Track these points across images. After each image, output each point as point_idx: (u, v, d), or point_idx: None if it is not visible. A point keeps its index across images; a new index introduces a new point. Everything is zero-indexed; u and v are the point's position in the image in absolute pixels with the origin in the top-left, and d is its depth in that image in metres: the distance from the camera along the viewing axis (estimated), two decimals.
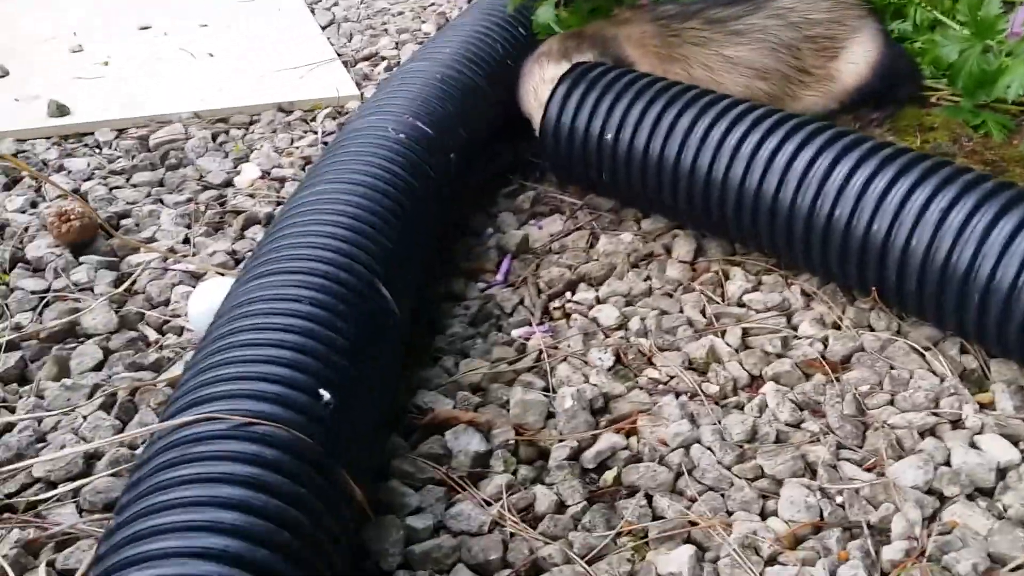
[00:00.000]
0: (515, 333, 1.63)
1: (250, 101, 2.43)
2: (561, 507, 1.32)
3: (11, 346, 1.60)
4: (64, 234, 1.81)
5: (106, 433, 1.42)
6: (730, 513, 1.29)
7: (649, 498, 1.32)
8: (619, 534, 1.27)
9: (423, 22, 3.00)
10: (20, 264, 1.82)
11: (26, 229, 1.91)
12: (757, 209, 1.62)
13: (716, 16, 1.89)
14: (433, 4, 3.17)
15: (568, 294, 1.73)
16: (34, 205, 2.01)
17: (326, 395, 1.17)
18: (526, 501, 1.32)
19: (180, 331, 1.66)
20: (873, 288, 1.55)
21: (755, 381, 1.52)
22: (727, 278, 1.73)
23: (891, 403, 1.46)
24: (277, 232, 1.45)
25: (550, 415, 1.46)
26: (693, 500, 1.31)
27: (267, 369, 1.16)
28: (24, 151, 2.23)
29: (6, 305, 1.69)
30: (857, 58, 1.91)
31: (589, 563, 1.22)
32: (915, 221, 1.47)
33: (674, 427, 1.41)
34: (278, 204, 2.00)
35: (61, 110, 2.34)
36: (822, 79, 1.91)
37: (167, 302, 1.72)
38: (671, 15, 1.92)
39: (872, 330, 1.59)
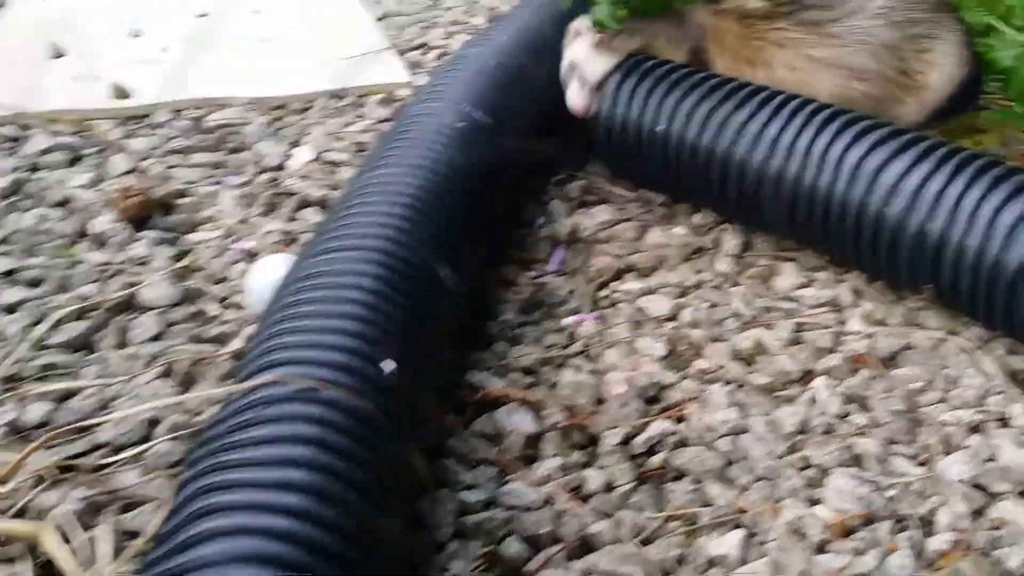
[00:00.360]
0: (566, 321, 1.65)
1: (304, 89, 2.46)
2: (610, 487, 1.35)
3: (77, 316, 1.64)
4: (126, 210, 1.85)
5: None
6: (778, 501, 1.31)
7: (698, 482, 1.35)
8: (669, 518, 1.29)
9: (473, 16, 3.02)
10: (85, 238, 1.86)
11: (89, 205, 1.95)
12: (812, 205, 1.63)
13: (811, 18, 1.85)
14: None
15: (617, 283, 1.75)
16: (96, 182, 2.05)
17: (389, 366, 1.21)
18: (577, 482, 1.34)
19: (236, 306, 1.69)
20: (929, 285, 1.56)
21: (806, 375, 1.53)
22: (776, 273, 1.75)
23: (942, 401, 1.47)
24: (342, 211, 1.48)
25: (599, 400, 1.48)
26: (744, 488, 1.33)
27: (335, 339, 1.19)
28: (82, 132, 2.26)
29: (71, 277, 1.73)
30: (951, 70, 1.88)
31: (641, 543, 1.25)
32: (969, 219, 1.48)
33: (721, 414, 1.43)
34: (330, 187, 2.02)
35: (120, 92, 2.38)
36: (920, 87, 1.88)
37: (225, 278, 1.76)
38: (759, 15, 1.88)
39: (923, 328, 1.61)
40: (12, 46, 2.64)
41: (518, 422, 1.42)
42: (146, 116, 2.34)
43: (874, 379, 1.51)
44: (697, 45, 1.91)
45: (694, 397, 1.48)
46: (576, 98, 1.90)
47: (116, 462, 1.36)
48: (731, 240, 1.82)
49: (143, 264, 1.78)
